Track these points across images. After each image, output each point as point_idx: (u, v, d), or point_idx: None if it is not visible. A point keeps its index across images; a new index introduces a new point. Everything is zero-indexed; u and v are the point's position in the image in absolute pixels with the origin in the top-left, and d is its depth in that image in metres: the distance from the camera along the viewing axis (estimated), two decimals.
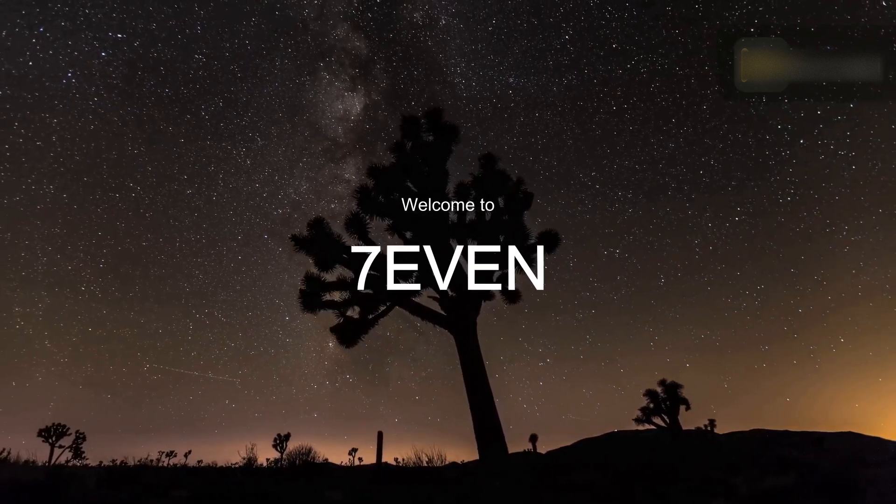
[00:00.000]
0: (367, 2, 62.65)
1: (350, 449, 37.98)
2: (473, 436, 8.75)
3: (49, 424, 27.84)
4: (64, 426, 28.33)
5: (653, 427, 26.19)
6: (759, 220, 67.30)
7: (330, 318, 10.14)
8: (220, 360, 64.43)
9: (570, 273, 71.70)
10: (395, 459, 22.02)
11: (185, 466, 31.24)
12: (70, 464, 28.12)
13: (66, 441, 28.22)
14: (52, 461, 27.00)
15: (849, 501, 8.63)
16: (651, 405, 25.99)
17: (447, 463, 20.07)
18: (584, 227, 72.82)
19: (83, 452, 29.19)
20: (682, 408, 25.80)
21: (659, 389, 26.03)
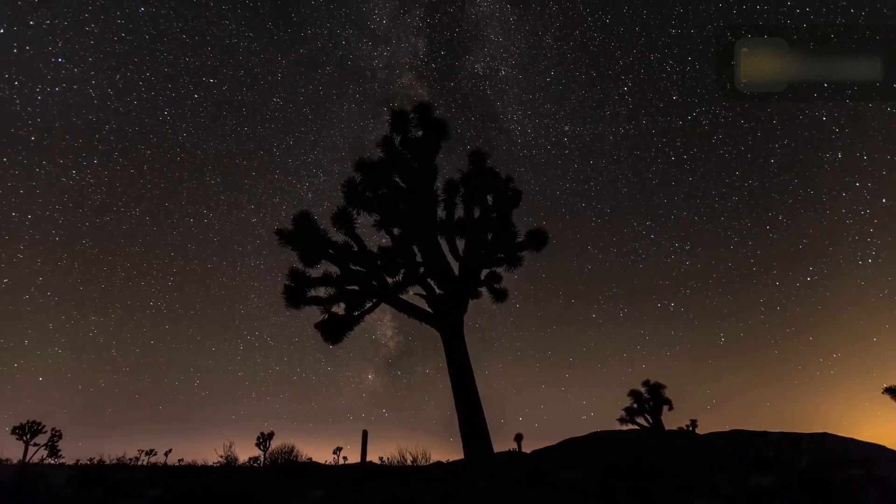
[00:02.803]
0: (433, 54, 68.43)
1: (334, 448, 37.60)
2: (458, 435, 8.68)
3: (24, 422, 27.05)
4: (39, 423, 27.55)
5: (636, 427, 26.46)
6: (835, 281, 62.16)
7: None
8: (265, 383, 67.90)
9: (619, 324, 70.52)
10: (380, 458, 21.87)
11: (164, 465, 30.62)
12: (45, 462, 27.39)
13: (42, 439, 27.45)
14: (27, 459, 26.25)
15: (828, 500, 8.77)
16: (635, 405, 26.24)
17: (432, 462, 19.98)
18: (637, 278, 71.31)
19: (59, 451, 28.42)
20: (665, 408, 26.12)
21: (643, 390, 26.30)
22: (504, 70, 67.04)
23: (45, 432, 27.76)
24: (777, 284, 62.80)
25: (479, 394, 8.98)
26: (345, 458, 36.99)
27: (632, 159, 69.05)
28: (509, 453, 32.57)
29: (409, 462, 16.86)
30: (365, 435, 13.53)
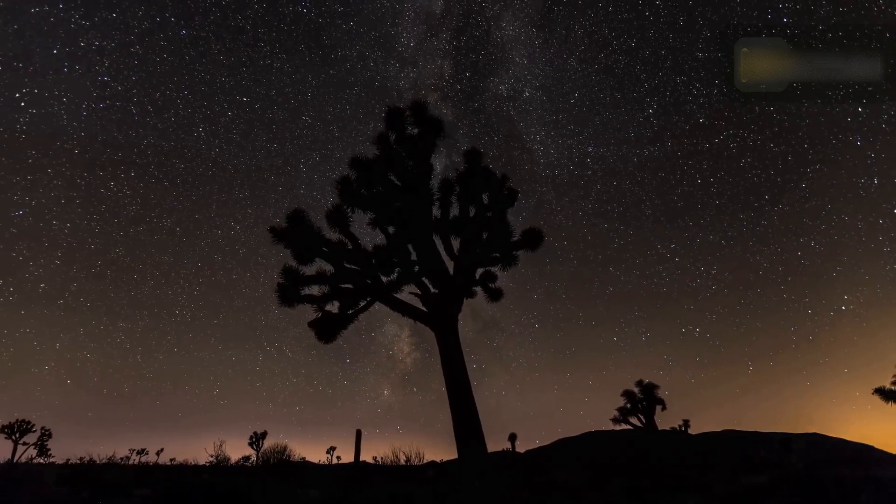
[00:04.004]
0: (458, 76, 69.24)
1: (328, 447, 37.45)
2: (452, 434, 8.63)
3: (13, 421, 26.75)
4: (28, 422, 27.25)
5: (629, 427, 26.53)
6: (872, 311, 56.61)
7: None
8: (281, 394, 68.10)
9: (641, 348, 68.15)
10: (374, 458, 21.80)
11: (154, 464, 30.37)
12: (34, 461, 27.12)
13: (32, 438, 27.14)
14: (15, 459, 25.94)
15: (820, 500, 8.82)
16: (628, 405, 26.31)
17: (426, 462, 19.95)
18: (661, 301, 68.31)
19: (48, 450, 28.13)
20: (658, 408, 26.20)
21: (636, 390, 26.38)
22: (528, 91, 66.87)
23: (35, 431, 27.47)
24: (809, 313, 59.25)
25: (477, 400, 8.93)
26: (338, 457, 36.87)
27: (656, 181, 67.34)
28: (503, 453, 32.60)
29: (402, 461, 16.83)
30: (358, 435, 13.47)
